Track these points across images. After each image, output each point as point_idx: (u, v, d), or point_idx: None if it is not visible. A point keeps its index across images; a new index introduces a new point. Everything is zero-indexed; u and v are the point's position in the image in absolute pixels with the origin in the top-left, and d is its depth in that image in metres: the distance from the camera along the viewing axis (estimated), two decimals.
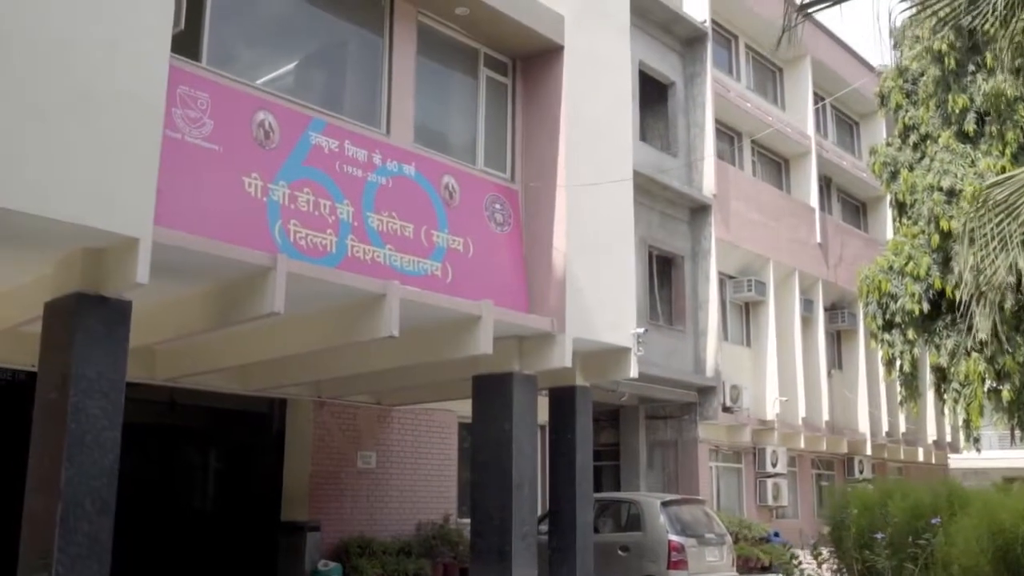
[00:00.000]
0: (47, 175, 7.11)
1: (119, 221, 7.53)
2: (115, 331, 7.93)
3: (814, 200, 25.65)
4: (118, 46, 7.69)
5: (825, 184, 27.71)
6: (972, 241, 17.62)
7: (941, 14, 19.58)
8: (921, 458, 28.26)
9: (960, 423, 20.13)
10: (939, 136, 19.21)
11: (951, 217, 18.07)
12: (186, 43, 9.10)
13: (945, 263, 18.28)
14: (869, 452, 25.58)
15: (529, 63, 12.50)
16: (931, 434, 27.91)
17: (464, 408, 13.22)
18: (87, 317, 7.76)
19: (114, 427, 7.77)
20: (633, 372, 11.97)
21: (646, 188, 19.09)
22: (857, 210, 30.23)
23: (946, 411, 22.62)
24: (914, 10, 20.76)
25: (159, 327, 10.02)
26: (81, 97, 7.43)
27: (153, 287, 8.08)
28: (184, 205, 8.62)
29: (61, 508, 7.36)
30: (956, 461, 31.16)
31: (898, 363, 19.43)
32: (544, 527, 12.68)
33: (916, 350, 19.40)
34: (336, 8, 11.22)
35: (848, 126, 30.05)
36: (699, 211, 21.58)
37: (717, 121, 22.47)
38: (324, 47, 11.43)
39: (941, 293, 18.44)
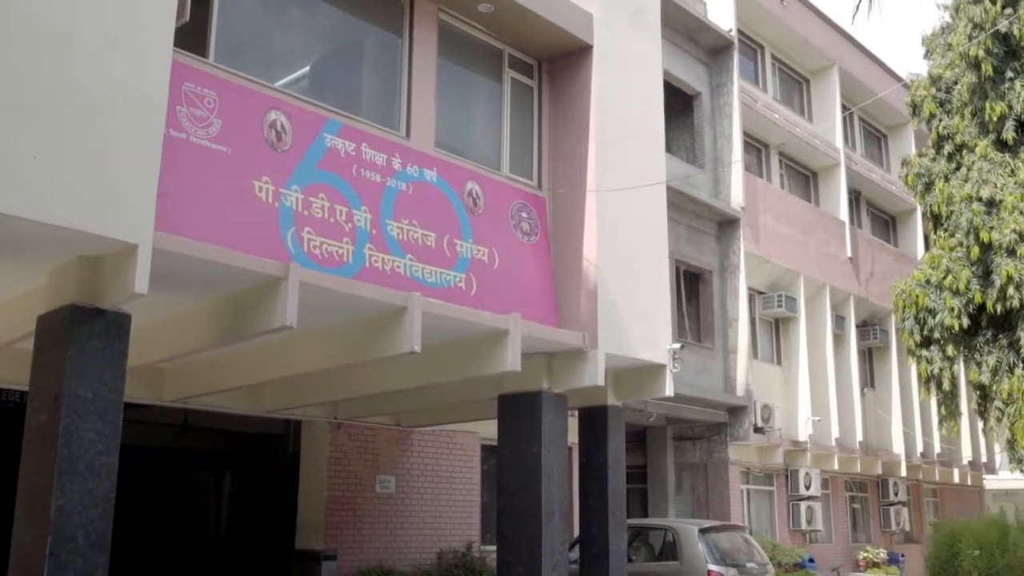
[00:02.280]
0: (38, 175, 6.44)
1: (116, 225, 6.85)
2: (113, 347, 7.25)
3: (844, 213, 24.94)
4: (117, 38, 7.04)
5: (854, 197, 27.00)
6: (1013, 252, 17.03)
7: (977, 19, 18.96)
8: (956, 480, 27.37)
9: (1004, 443, 19.33)
10: (976, 145, 18.55)
11: (991, 228, 17.40)
12: (192, 38, 8.48)
13: (986, 276, 17.61)
14: (904, 474, 24.72)
15: (556, 64, 11.84)
16: (967, 454, 27.00)
17: (488, 429, 12.54)
18: (82, 331, 7.08)
19: (111, 452, 7.07)
20: (669, 390, 11.24)
21: (673, 201, 18.34)
22: (887, 224, 29.49)
23: (988, 431, 21.84)
24: (948, 16, 20.18)
25: (164, 343, 9.36)
26: (76, 92, 6.77)
27: (155, 299, 7.43)
28: (188, 210, 7.98)
29: (51, 541, 6.65)
30: (991, 482, 30.28)
31: (937, 381, 18.68)
32: (574, 555, 11.92)
33: (956, 367, 18.68)
34: (353, 4, 10.59)
35: (876, 139, 29.34)
36: (727, 225, 20.87)
37: (744, 132, 21.81)
38: (340, 45, 10.80)
39: (982, 307, 17.75)
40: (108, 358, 7.16)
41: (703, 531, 13.00)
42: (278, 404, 12.51)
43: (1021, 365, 17.15)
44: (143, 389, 10.88)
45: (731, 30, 21.61)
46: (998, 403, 17.81)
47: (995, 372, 17.64)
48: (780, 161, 24.44)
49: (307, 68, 10.41)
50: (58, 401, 6.87)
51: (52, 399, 6.97)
